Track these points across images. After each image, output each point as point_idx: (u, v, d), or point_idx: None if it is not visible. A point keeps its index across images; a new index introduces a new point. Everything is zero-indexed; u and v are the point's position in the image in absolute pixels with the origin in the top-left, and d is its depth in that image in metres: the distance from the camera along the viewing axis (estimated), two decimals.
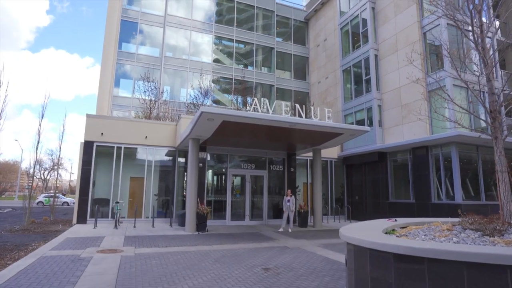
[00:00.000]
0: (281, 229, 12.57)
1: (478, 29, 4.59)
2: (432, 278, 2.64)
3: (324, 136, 12.33)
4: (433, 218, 5.69)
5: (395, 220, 5.29)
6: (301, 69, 25.93)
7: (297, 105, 11.22)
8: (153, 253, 7.56)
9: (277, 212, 15.72)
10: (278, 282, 5.51)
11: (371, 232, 3.78)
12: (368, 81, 17.73)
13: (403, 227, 5.02)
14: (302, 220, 13.85)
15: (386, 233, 4.14)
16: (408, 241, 3.05)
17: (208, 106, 19.59)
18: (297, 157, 16.40)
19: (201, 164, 13.42)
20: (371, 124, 17.04)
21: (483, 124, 14.76)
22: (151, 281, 5.30)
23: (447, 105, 13.83)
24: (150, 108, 17.67)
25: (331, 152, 17.84)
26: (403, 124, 15.57)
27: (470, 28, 5.01)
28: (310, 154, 16.67)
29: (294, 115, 14.31)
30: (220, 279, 5.56)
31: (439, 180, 13.61)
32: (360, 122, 17.95)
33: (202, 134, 11.36)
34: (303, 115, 11.01)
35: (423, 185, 14.00)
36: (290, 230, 12.44)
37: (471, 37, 4.80)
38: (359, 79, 18.84)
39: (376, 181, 16.76)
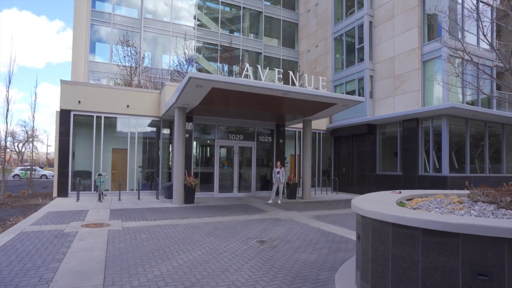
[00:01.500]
0: (270, 201, 12.46)
1: None
2: (468, 255, 2.39)
3: (316, 106, 11.95)
4: (435, 190, 5.55)
5: (400, 192, 5.09)
6: (290, 37, 24.93)
7: (291, 72, 10.68)
8: (142, 227, 7.20)
9: (265, 184, 15.60)
10: (276, 255, 5.30)
11: (386, 205, 3.52)
12: (360, 50, 17.21)
13: (408, 199, 4.85)
14: (291, 191, 13.78)
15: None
16: (439, 216, 2.78)
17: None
18: (285, 129, 16.08)
19: (187, 135, 12.86)
20: (361, 95, 16.76)
21: (469, 98, 14.79)
22: (143, 256, 4.96)
23: (443, 75, 13.70)
24: (131, 75, 16.54)
25: (319, 124, 17.60)
26: (395, 96, 15.38)
27: None
28: (299, 125, 16.40)
29: (285, 84, 13.76)
30: (216, 253, 5.30)
31: (427, 153, 13.72)
32: (351, 93, 17.65)
33: (189, 102, 10.71)
34: (297, 83, 10.51)
35: (411, 157, 14.10)
36: (279, 202, 12.35)
37: None
38: (351, 48, 18.27)
39: (364, 153, 16.79)
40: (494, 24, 14.74)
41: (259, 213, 9.77)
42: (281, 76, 9.98)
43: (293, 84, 10.55)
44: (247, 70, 9.57)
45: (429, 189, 12.95)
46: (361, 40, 17.19)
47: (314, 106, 11.95)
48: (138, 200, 12.00)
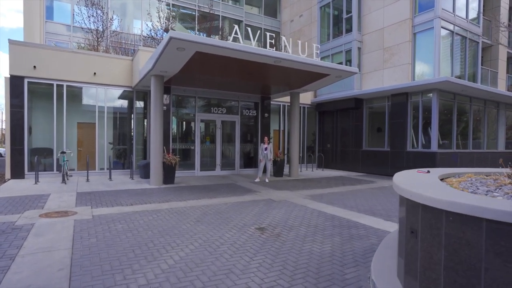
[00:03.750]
0: (257, 179, 11.64)
1: None
2: None
3: (307, 77, 10.99)
4: (461, 169, 4.89)
5: (428, 172, 4.36)
6: (271, 5, 23.33)
7: (283, 38, 9.56)
8: (117, 215, 6.08)
9: (248, 160, 14.73)
10: (283, 247, 4.48)
11: (443, 190, 2.72)
12: (348, 21, 16.22)
13: (440, 180, 4.14)
14: (278, 169, 13.02)
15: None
16: None
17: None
18: (270, 102, 15.07)
19: (165, 107, 11.52)
20: None
21: (456, 73, 14.47)
22: (121, 256, 3.92)
23: (434, 48, 13.13)
24: (98, 39, 14.47)
25: (304, 98, 16.73)
26: (384, 69, 14.72)
27: None
28: (283, 99, 15.51)
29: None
30: (212, 247, 4.38)
31: (415, 128, 13.35)
32: None
33: (168, 69, 9.34)
34: (289, 50, 9.43)
35: (399, 133, 13.70)
36: (267, 180, 11.57)
37: None
38: (338, 18, 17.21)
39: (350, 129, 16.26)
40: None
41: (248, 193, 8.92)
42: (273, 41, 8.82)
43: (286, 51, 9.46)
44: (236, 33, 8.31)
45: (418, 165, 12.68)
46: (349, 9, 16.17)
47: (305, 77, 10.98)
48: (109, 180, 10.70)
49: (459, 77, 14.27)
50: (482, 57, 16.63)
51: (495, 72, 16.46)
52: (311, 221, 5.95)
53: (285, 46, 9.28)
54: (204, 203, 7.40)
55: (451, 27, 13.62)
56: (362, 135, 15.61)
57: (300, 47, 9.41)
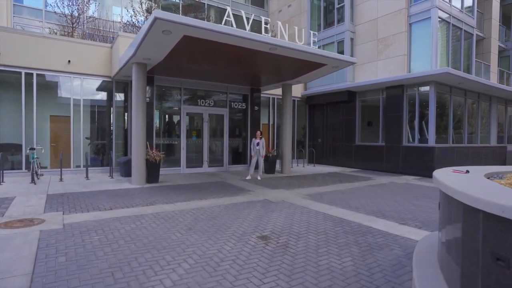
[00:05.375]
0: (248, 177, 10.90)
1: None
2: None
3: (302, 67, 10.28)
4: (495, 167, 4.31)
5: (467, 172, 3.74)
6: None
7: (279, 23, 8.79)
8: (93, 222, 5.18)
9: (237, 156, 13.95)
10: (296, 262, 3.77)
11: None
12: (340, 10, 15.58)
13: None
14: (270, 165, 12.31)
15: None
16: None
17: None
18: (260, 94, 14.29)
19: (148, 99, 10.53)
20: None
21: (452, 64, 14.16)
22: (97, 283, 3.08)
23: (431, 39, 12.71)
24: (73, 24, 13.14)
25: (294, 91, 15.83)
26: (378, 61, 14.20)
27: None
28: (273, 91, 14.81)
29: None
30: (211, 266, 3.61)
31: (412, 122, 12.95)
32: None
33: (152, 56, 8.37)
34: (286, 37, 8.66)
35: (394, 127, 13.26)
36: (259, 178, 10.84)
37: None
38: (329, 8, 16.54)
39: (342, 123, 15.74)
40: None
41: (242, 193, 8.16)
42: (268, 26, 8.02)
43: (282, 38, 8.69)
44: (228, 16, 7.46)
45: (415, 160, 12.31)
46: None
47: (299, 67, 10.27)
48: (86, 180, 9.67)
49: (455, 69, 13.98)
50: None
51: (488, 65, 16.31)
52: (319, 227, 5.27)
53: (280, 33, 8.51)
54: (194, 206, 6.60)
55: (447, 18, 13.23)
56: (355, 129, 15.12)
57: (297, 34, 8.66)
